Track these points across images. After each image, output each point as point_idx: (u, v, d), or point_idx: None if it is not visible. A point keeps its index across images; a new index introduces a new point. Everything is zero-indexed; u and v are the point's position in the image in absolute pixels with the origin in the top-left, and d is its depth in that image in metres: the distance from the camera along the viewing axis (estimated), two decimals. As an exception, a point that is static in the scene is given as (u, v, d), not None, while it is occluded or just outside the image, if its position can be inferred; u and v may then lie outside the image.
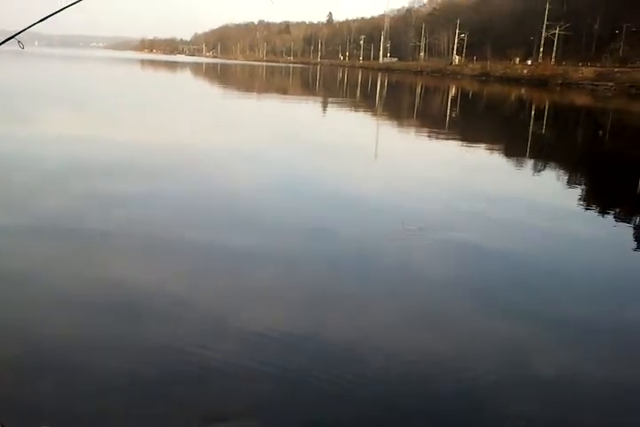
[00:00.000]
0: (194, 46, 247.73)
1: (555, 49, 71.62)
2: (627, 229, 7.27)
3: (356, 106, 26.86)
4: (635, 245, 6.55)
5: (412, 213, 7.32)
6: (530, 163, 12.83)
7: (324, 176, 9.58)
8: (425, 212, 7.42)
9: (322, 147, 12.91)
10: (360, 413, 3.13)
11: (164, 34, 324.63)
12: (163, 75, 57.12)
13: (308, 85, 49.05)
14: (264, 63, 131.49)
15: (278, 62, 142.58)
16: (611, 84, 45.48)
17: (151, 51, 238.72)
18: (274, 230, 6.21)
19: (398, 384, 3.39)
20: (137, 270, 4.93)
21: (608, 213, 8.11)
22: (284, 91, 38.72)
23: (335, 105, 26.81)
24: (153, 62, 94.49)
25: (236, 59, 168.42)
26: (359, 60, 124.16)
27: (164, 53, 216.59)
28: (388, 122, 21.10)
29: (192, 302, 4.33)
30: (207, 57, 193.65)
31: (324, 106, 26.74)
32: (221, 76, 62.10)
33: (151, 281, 4.69)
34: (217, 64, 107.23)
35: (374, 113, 24.37)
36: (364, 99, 34.04)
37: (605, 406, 3.32)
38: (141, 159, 10.18)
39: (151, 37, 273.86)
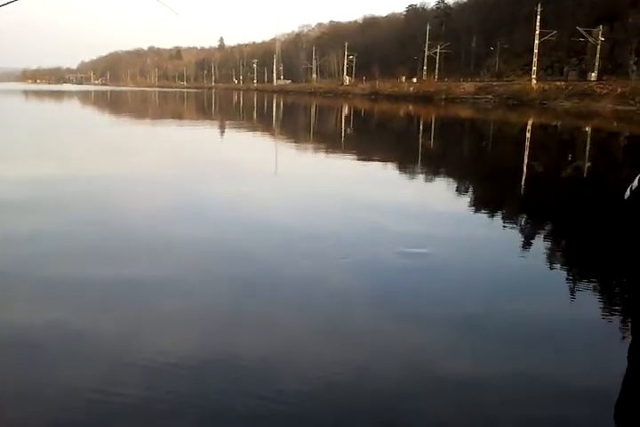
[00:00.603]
0: (81, 74, 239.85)
1: (437, 66, 75.80)
2: (509, 230, 7.89)
3: (253, 127, 27.12)
4: (515, 244, 7.12)
5: (308, 222, 7.58)
6: (421, 173, 13.53)
7: (226, 194, 9.68)
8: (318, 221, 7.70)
9: (222, 167, 12.99)
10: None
11: (48, 63, 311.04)
12: (48, 105, 54.89)
13: (203, 109, 48.85)
14: (156, 89, 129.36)
15: (171, 87, 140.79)
16: (490, 96, 48.66)
17: (35, 81, 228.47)
18: (177, 253, 6.24)
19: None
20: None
21: (493, 216, 8.76)
22: (179, 116, 38.35)
23: (232, 127, 26.94)
24: (37, 93, 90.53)
25: (126, 85, 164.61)
26: (253, 82, 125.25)
27: (49, 83, 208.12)
28: (285, 141, 21.47)
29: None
30: (96, 84, 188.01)
31: (222, 129, 26.79)
32: (112, 103, 60.51)
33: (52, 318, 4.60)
34: (106, 91, 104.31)
35: (272, 134, 24.72)
36: (261, 120, 34.40)
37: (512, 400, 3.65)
38: (30, 193, 9.83)
39: (34, 67, 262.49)
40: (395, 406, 3.38)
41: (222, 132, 24.98)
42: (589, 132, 25.49)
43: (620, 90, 37.50)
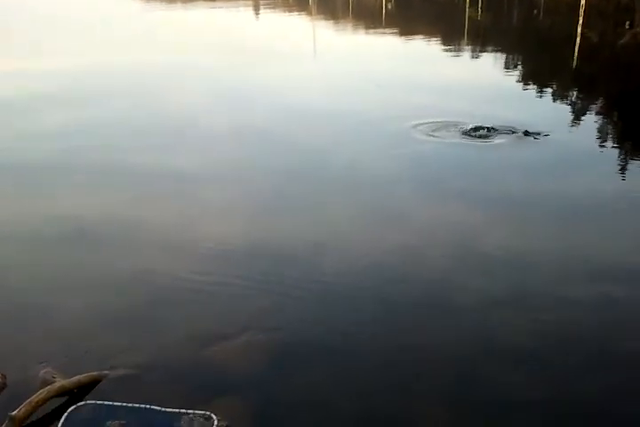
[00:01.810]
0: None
1: None
2: (559, 103, 7.69)
3: (289, 7, 25.93)
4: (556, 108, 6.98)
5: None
6: (468, 49, 12.96)
7: (271, 76, 9.60)
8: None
9: (261, 50, 12.71)
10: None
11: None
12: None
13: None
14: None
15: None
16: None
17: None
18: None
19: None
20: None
21: (546, 88, 8.50)
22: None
23: (269, 7, 25.83)
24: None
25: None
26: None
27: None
28: (324, 20, 20.59)
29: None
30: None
31: (257, 9, 25.73)
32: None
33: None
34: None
35: (310, 13, 23.66)
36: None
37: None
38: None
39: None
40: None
41: (258, 12, 24.04)
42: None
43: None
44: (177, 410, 2.24)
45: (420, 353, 2.81)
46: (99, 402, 2.31)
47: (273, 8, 25.49)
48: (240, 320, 3.08)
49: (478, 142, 5.80)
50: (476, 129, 5.99)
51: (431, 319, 3.08)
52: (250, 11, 24.68)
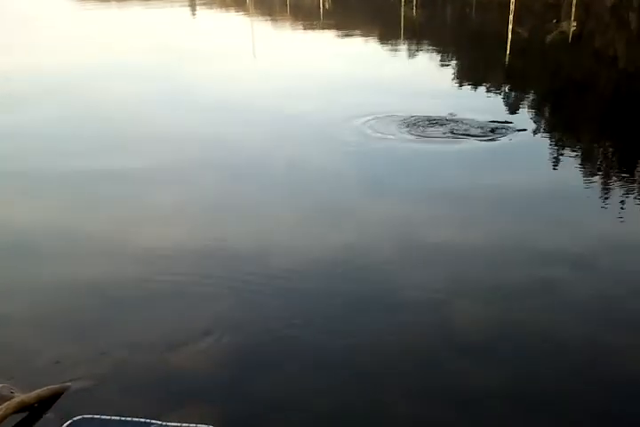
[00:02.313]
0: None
1: None
2: (493, 96, 7.99)
3: (226, 5, 25.73)
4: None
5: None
6: (405, 46, 13.23)
7: (211, 76, 9.56)
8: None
9: (198, 50, 12.61)
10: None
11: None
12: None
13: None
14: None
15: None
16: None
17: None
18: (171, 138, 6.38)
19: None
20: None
21: (481, 83, 8.81)
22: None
23: (205, 6, 25.54)
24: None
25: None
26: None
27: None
28: (262, 19, 20.54)
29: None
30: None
31: (193, 8, 25.41)
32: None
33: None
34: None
35: (246, 11, 23.55)
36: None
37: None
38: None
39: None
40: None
41: (194, 11, 23.75)
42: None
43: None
44: (177, 424, 2.23)
45: (375, 348, 2.92)
46: (95, 416, 2.28)
47: (210, 7, 25.24)
48: (199, 324, 3.10)
49: (420, 137, 5.97)
50: (417, 122, 6.25)
51: (380, 313, 3.19)
52: (186, 10, 24.34)
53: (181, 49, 12.89)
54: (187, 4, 27.26)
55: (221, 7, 24.86)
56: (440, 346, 2.93)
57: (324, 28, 16.17)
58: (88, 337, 3.03)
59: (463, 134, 5.95)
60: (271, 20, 19.92)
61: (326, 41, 13.75)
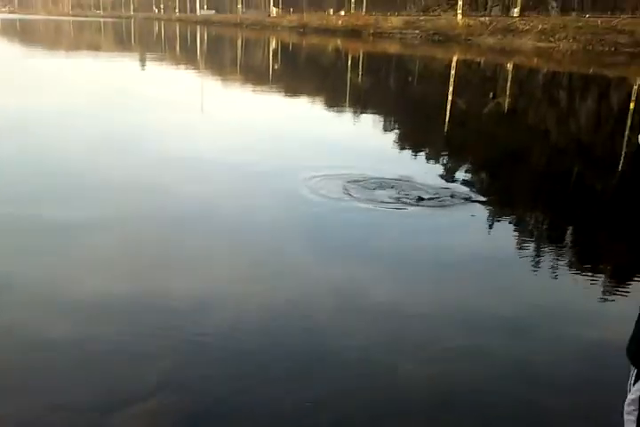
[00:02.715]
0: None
1: (365, -1, 74.27)
2: (432, 163, 8.26)
3: (177, 61, 26.17)
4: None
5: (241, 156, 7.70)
6: (350, 110, 13.68)
7: (151, 130, 9.55)
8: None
9: (145, 102, 12.66)
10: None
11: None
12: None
13: (122, 41, 46.38)
14: (70, 18, 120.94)
15: (86, 17, 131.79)
16: (417, 31, 48.44)
17: None
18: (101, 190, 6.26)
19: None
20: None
21: (420, 150, 9.12)
22: (96, 47, 36.34)
23: (155, 60, 25.89)
24: None
25: (36, 13, 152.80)
26: (175, 12, 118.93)
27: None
28: (212, 77, 20.93)
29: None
30: (2, 12, 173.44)
31: (143, 62, 25.72)
32: (22, 32, 56.35)
33: None
34: (15, 20, 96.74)
35: (197, 68, 23.98)
36: (185, 53, 33.14)
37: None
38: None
39: None
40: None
41: (144, 65, 24.00)
42: (511, 68, 26.15)
43: (540, 26, 38.21)
44: None
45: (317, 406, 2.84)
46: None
47: (160, 61, 25.60)
48: (141, 383, 2.94)
49: (362, 201, 6.05)
50: (360, 182, 6.41)
51: (316, 371, 3.14)
52: (136, 63, 24.56)
53: (126, 101, 12.90)
54: (137, 56, 27.58)
55: (172, 64, 25.21)
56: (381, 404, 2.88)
57: (272, 90, 16.57)
58: (11, 402, 2.81)
59: (402, 199, 6.07)
60: (221, 78, 20.28)
61: (275, 101, 14.07)
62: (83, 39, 48.11)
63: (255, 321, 3.65)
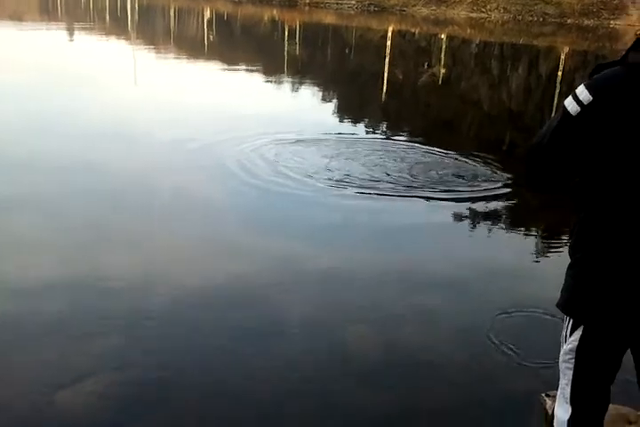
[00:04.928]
0: None
1: (300, -32, 72.82)
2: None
3: (107, 31, 25.20)
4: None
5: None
6: (287, 81, 13.64)
7: (80, 105, 9.28)
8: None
9: (73, 75, 12.23)
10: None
11: None
12: None
13: (48, 10, 44.11)
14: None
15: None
16: (353, 2, 48.15)
17: None
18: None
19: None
20: None
21: (358, 121, 9.26)
22: (19, 17, 34.47)
23: (84, 31, 24.85)
24: None
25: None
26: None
27: None
28: (145, 48, 20.31)
29: None
30: None
31: (71, 32, 24.65)
32: None
33: None
34: None
35: (128, 39, 23.18)
36: (115, 23, 31.89)
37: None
38: None
39: None
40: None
41: (72, 36, 23.03)
42: (445, 39, 26.50)
43: (473, -3, 38.66)
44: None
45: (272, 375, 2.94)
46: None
47: (89, 31, 24.59)
48: (81, 363, 2.95)
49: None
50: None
51: (261, 340, 3.23)
52: (63, 33, 23.52)
53: (56, 73, 12.42)
54: (64, 26, 26.41)
55: (102, 34, 24.28)
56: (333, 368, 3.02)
57: (208, 61, 16.27)
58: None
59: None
60: (155, 50, 19.72)
61: (211, 73, 13.85)
62: (2, 7, 45.40)
63: (197, 296, 3.67)
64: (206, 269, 4.06)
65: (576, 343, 1.71)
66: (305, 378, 2.93)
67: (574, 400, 1.75)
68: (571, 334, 1.72)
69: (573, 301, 1.71)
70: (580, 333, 1.69)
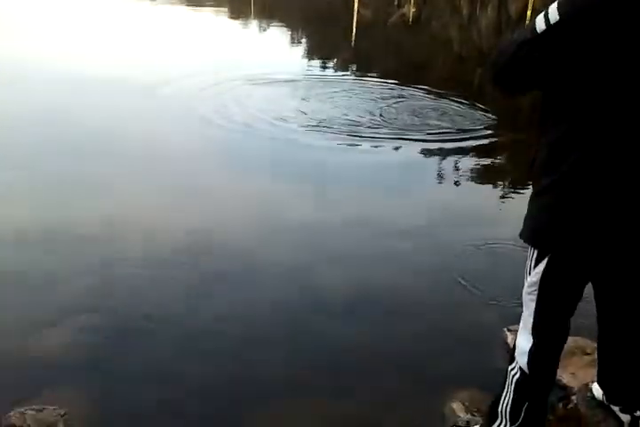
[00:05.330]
0: None
1: None
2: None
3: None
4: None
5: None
6: (255, 23, 13.25)
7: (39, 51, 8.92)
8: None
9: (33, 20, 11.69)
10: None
11: None
12: None
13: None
14: None
15: None
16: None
17: None
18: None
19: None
20: None
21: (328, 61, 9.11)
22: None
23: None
24: None
25: None
26: None
27: None
28: None
29: None
30: None
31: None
32: None
33: None
34: None
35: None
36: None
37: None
38: None
39: None
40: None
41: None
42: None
43: None
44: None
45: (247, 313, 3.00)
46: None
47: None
48: (56, 305, 2.96)
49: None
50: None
51: (244, 287, 3.26)
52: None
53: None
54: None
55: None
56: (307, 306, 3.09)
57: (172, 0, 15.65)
58: None
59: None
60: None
61: (175, 13, 13.36)
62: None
63: (173, 242, 3.65)
64: (180, 213, 4.04)
65: (540, 275, 1.69)
66: (276, 309, 3.01)
67: (536, 331, 1.76)
68: (535, 266, 1.69)
69: (541, 230, 1.66)
70: (545, 264, 1.66)
